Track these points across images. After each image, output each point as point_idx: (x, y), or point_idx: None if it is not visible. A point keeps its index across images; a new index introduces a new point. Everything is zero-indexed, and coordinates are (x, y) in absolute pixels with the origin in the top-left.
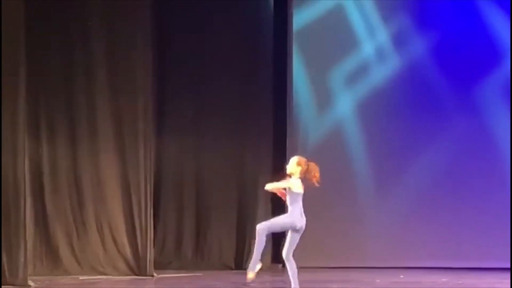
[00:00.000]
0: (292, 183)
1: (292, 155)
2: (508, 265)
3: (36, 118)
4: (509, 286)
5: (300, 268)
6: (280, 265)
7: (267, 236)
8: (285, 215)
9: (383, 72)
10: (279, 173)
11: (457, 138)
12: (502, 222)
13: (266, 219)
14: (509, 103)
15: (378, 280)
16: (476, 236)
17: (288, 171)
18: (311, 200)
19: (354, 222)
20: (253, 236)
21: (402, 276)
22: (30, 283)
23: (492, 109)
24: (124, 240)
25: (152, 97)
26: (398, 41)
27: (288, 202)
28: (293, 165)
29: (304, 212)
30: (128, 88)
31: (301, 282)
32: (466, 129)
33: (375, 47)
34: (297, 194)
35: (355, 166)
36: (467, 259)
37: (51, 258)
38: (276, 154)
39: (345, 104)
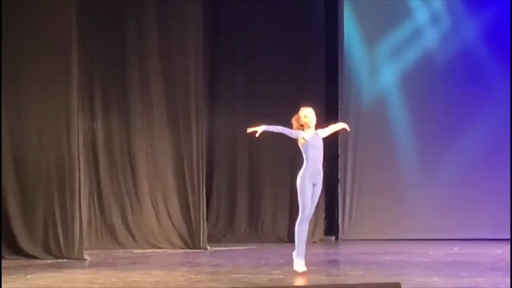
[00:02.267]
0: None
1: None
2: None
3: (90, 94)
4: None
5: (355, 241)
6: (333, 238)
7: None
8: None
9: (435, 41)
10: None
11: (506, 106)
12: None
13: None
14: None
15: (431, 252)
16: None
17: (313, 123)
18: (364, 171)
19: (406, 193)
20: None
21: (456, 248)
22: (86, 256)
23: None
24: (177, 213)
25: (204, 70)
26: (450, 13)
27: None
28: (314, 116)
29: (358, 184)
30: (180, 62)
31: (357, 254)
32: None
33: (429, 15)
34: None
35: (405, 134)
36: None
37: (106, 232)
38: (328, 123)
39: (394, 72)
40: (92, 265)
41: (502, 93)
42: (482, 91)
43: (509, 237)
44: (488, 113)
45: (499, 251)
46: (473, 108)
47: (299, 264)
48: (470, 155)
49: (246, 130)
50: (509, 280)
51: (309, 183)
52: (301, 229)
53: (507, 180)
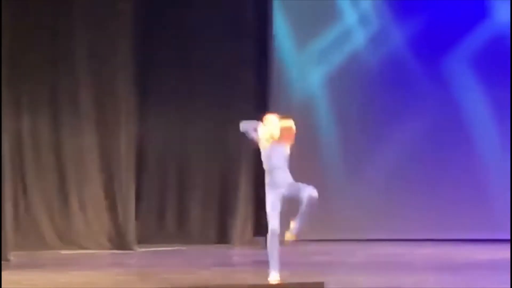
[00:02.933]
0: None
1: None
2: (492, 237)
3: (18, 93)
4: (492, 256)
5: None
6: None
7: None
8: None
9: (364, 43)
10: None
11: (431, 108)
12: (478, 194)
13: (248, 191)
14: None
15: (359, 252)
16: (455, 207)
17: (277, 135)
18: (292, 172)
19: (334, 194)
20: (235, 209)
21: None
22: (10, 257)
23: (460, 81)
24: (105, 214)
25: (134, 74)
26: (378, 15)
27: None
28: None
29: None
30: (110, 62)
31: (285, 255)
32: (438, 100)
33: (357, 17)
34: None
35: (333, 134)
36: (449, 231)
37: (33, 233)
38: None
39: (323, 73)
40: (18, 266)
41: (430, 97)
42: (409, 93)
43: (431, 238)
44: (415, 115)
45: (425, 251)
46: (400, 110)
47: (274, 276)
48: (397, 157)
49: (176, 132)
50: (432, 279)
51: (273, 190)
52: (271, 242)
53: (434, 181)
